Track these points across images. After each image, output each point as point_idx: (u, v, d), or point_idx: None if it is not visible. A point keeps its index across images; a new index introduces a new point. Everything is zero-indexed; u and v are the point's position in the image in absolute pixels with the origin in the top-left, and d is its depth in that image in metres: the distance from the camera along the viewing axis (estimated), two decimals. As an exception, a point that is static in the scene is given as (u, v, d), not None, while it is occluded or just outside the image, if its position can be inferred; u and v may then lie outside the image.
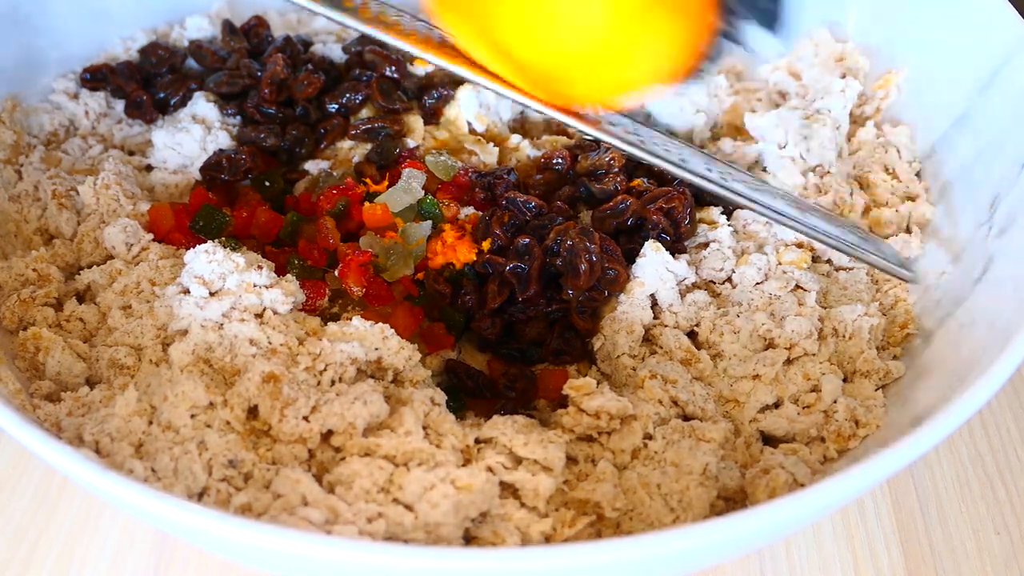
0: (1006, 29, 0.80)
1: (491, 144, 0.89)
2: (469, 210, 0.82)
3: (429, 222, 0.79)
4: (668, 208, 0.78)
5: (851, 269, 0.80)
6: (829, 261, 0.80)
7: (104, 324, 0.73)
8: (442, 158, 0.84)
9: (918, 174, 0.87)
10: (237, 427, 0.63)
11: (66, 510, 0.75)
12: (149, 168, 0.89)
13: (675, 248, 0.78)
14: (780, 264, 0.77)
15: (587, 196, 0.83)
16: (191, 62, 0.96)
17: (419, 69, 0.93)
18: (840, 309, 0.75)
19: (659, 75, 0.66)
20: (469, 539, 0.60)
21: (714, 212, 0.82)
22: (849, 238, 0.76)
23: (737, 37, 0.66)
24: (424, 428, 0.64)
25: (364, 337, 0.68)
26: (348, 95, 0.89)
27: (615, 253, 0.76)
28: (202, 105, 0.90)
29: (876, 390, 0.72)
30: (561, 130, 0.96)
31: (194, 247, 0.72)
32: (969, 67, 0.83)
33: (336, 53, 0.96)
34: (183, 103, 0.91)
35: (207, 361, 0.66)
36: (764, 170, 0.87)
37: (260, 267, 0.71)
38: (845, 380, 0.73)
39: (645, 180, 0.82)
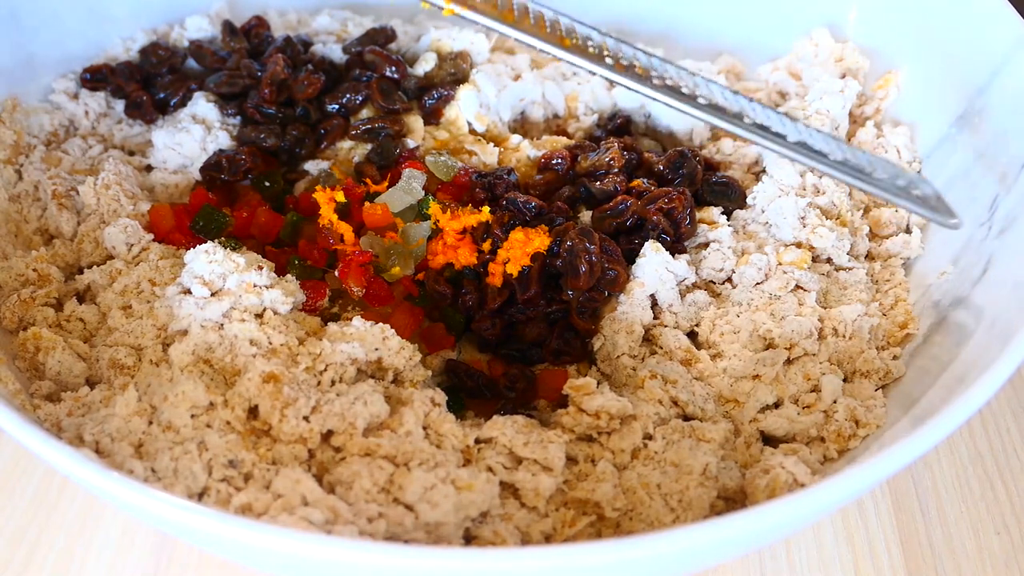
0: (1006, 29, 0.80)
1: (491, 144, 0.89)
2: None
3: (429, 222, 0.79)
4: (668, 208, 0.78)
5: (851, 269, 0.80)
6: (829, 260, 0.80)
7: (104, 324, 0.73)
8: (442, 158, 0.84)
9: (918, 174, 0.87)
10: (237, 427, 0.63)
11: (66, 510, 0.75)
12: (149, 168, 0.89)
13: (675, 248, 0.78)
14: (780, 264, 0.77)
15: (587, 196, 0.83)
16: (191, 62, 0.96)
17: (419, 69, 0.93)
18: (840, 309, 0.75)
19: None
20: (469, 539, 0.60)
21: (714, 212, 0.82)
22: (879, 175, 0.75)
23: None
24: (424, 428, 0.64)
25: (364, 337, 0.68)
26: (348, 95, 0.89)
27: (615, 253, 0.76)
28: (202, 105, 0.90)
29: (876, 390, 0.72)
30: (561, 130, 0.97)
31: (194, 247, 0.72)
32: (969, 67, 0.83)
33: (336, 53, 0.96)
34: (183, 103, 0.91)
35: (207, 361, 0.66)
36: (763, 170, 0.87)
37: (260, 267, 0.71)
38: (845, 380, 0.73)
39: (645, 180, 0.82)
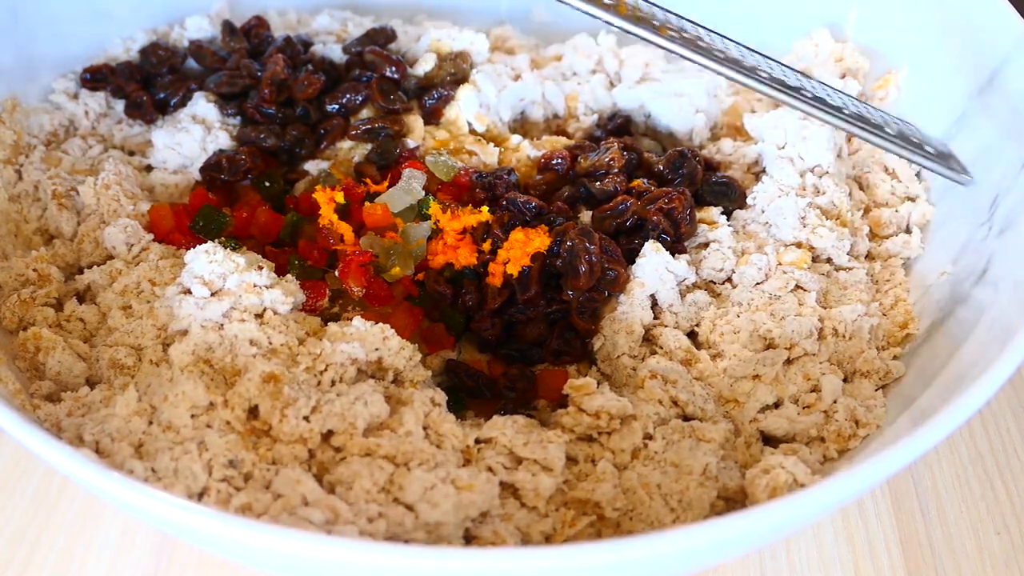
0: (1006, 29, 0.80)
1: (491, 144, 0.89)
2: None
3: (429, 222, 0.79)
4: (668, 208, 0.78)
5: (851, 269, 0.80)
6: (829, 260, 0.80)
7: (104, 324, 0.73)
8: (442, 158, 0.84)
9: (918, 174, 0.87)
10: (237, 427, 0.63)
11: (66, 510, 0.75)
12: (149, 168, 0.89)
13: (675, 248, 0.78)
14: (780, 264, 0.77)
15: (587, 196, 0.83)
16: (191, 62, 0.96)
17: (419, 69, 0.93)
18: (840, 309, 0.75)
19: None
20: (469, 539, 0.60)
21: (714, 212, 0.82)
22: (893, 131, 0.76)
23: None
24: (424, 428, 0.64)
25: (364, 337, 0.68)
26: (348, 95, 0.89)
27: (615, 253, 0.76)
28: (202, 105, 0.90)
29: (876, 390, 0.72)
30: (561, 130, 0.97)
31: (194, 247, 0.72)
32: (969, 67, 0.83)
33: (336, 53, 0.96)
34: (183, 103, 0.91)
35: (207, 361, 0.66)
36: (763, 170, 0.87)
37: (260, 267, 0.71)
38: (845, 380, 0.73)
39: (645, 180, 0.82)
